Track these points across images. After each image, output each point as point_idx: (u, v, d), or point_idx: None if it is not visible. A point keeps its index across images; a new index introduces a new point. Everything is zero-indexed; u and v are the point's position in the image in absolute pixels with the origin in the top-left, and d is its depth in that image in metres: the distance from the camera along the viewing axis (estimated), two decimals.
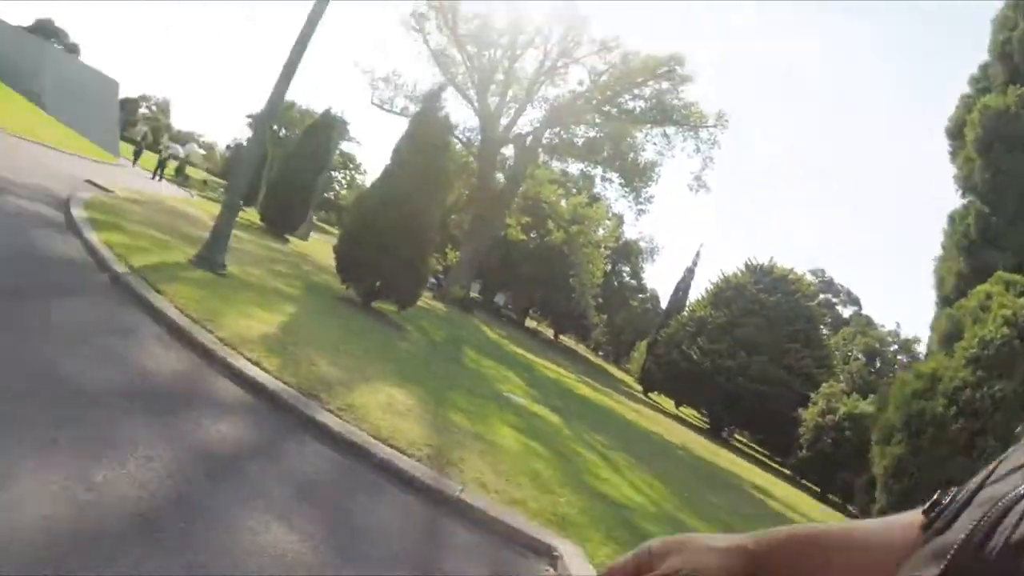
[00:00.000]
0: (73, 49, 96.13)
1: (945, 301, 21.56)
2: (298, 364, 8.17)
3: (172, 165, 50.91)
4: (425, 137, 15.32)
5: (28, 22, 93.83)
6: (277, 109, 13.37)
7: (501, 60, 44.21)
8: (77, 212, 12.26)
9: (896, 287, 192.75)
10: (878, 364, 68.78)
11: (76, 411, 4.93)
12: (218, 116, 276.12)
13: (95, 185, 18.64)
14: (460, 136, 44.01)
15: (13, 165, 16.75)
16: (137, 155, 48.89)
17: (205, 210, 25.41)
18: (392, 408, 8.09)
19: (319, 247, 32.01)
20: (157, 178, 40.14)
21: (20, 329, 6.22)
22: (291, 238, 28.72)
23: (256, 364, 7.59)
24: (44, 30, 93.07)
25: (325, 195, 73.44)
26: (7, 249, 8.83)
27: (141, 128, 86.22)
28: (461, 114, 49.68)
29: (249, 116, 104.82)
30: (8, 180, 13.82)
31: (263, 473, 5.37)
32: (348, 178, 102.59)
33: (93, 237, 10.68)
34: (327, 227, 73.27)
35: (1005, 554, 0.68)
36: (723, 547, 0.98)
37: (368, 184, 24.94)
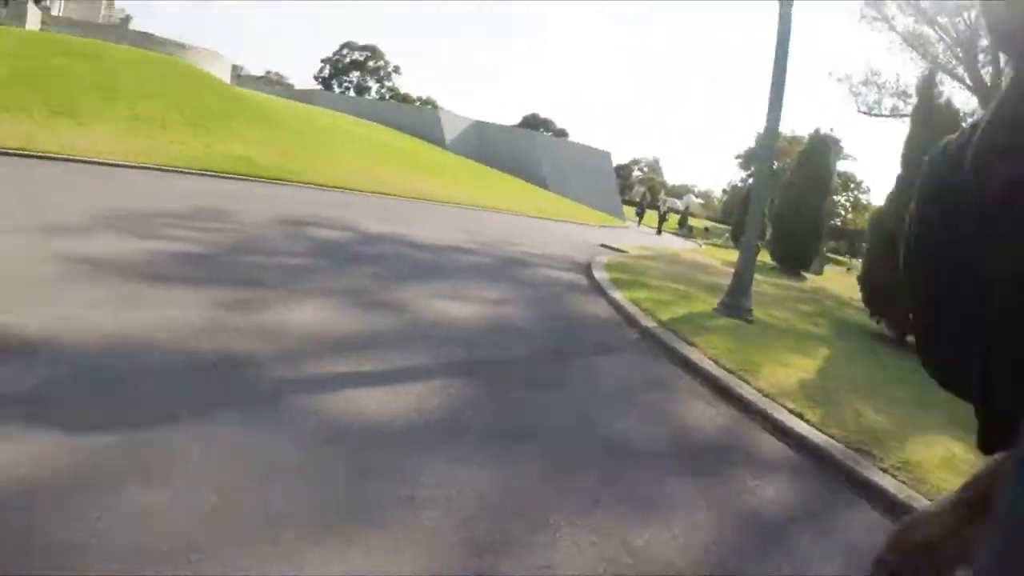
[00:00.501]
0: (561, 133, 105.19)
1: None
2: (842, 414, 7.40)
3: (673, 218, 52.68)
4: (930, 132, 13.42)
5: (516, 120, 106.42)
6: (773, 142, 12.68)
7: (978, 21, 38.54)
8: (599, 274, 12.77)
9: None
10: None
11: (618, 469, 4.80)
12: (707, 162, 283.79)
13: (609, 248, 19.53)
14: (963, 122, 38.94)
15: (533, 240, 18.21)
16: (640, 215, 51.39)
17: (715, 257, 25.64)
18: (952, 465, 6.94)
19: (836, 280, 30.54)
20: (660, 233, 41.49)
21: (565, 387, 6.41)
22: (805, 274, 27.67)
23: (798, 416, 6.98)
24: (533, 123, 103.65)
25: (831, 223, 70.03)
26: (546, 317, 9.41)
27: (639, 189, 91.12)
28: (957, 97, 44.14)
29: (737, 156, 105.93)
30: (534, 254, 14.98)
31: (813, 543, 4.73)
32: (851, 200, 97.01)
33: (617, 296, 10.97)
34: (838, 257, 69.58)
35: None
36: (937, 507, 1.09)
37: (877, 202, 23.20)
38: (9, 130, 16.10)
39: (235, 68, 68.24)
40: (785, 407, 7.12)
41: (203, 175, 17.71)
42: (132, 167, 16.47)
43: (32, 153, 15.27)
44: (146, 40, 45.70)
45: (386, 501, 3.64)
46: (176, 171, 17.22)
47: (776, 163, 72.84)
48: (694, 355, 8.30)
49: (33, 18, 44.70)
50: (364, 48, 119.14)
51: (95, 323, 5.55)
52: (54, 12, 54.80)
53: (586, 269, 13.69)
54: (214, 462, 3.70)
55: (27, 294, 6.04)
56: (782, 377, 8.17)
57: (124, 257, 7.89)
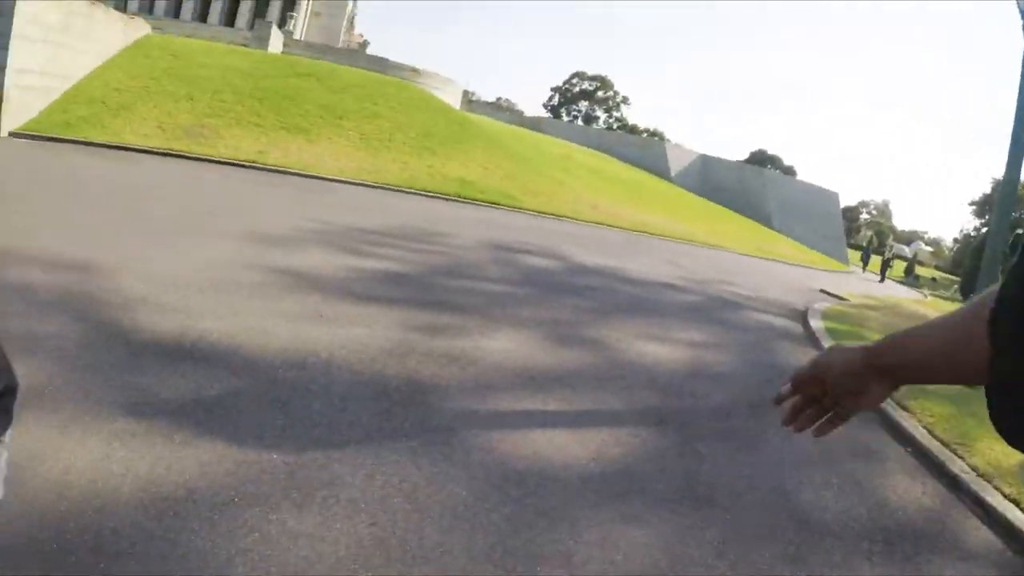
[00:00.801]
0: (789, 171, 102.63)
1: None
2: None
3: (899, 265, 50.20)
4: None
5: (744, 155, 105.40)
6: (1015, 190, 11.51)
7: None
8: (815, 323, 12.14)
9: None
10: None
11: (804, 547, 4.34)
12: (939, 209, 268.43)
13: (828, 294, 18.67)
14: None
15: (750, 281, 17.61)
16: (865, 260, 49.11)
17: (941, 310, 24.06)
18: None
19: None
20: (883, 280, 39.52)
21: (760, 448, 6.01)
22: None
23: (1014, 502, 6.21)
24: (760, 159, 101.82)
25: None
26: (751, 366, 8.94)
27: (866, 233, 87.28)
28: None
29: (972, 202, 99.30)
30: (748, 296, 14.45)
31: None
32: None
33: None
34: None
35: None
36: (850, 346, 1.29)
37: None
38: (243, 144, 17.24)
39: (466, 93, 70.52)
40: (1000, 490, 6.34)
41: (423, 195, 18.35)
42: (353, 184, 17.28)
43: (262, 166, 16.24)
44: (381, 64, 48.24)
45: (542, 554, 3.45)
46: (396, 190, 17.94)
47: (1015, 214, 67.79)
48: (906, 422, 7.59)
49: (276, 41, 48.22)
50: (594, 78, 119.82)
51: (283, 336, 5.77)
52: (296, 36, 58.57)
53: (802, 316, 13.02)
54: (375, 493, 3.67)
55: (226, 301, 6.38)
56: (1001, 455, 7.31)
57: (326, 271, 8.19)
